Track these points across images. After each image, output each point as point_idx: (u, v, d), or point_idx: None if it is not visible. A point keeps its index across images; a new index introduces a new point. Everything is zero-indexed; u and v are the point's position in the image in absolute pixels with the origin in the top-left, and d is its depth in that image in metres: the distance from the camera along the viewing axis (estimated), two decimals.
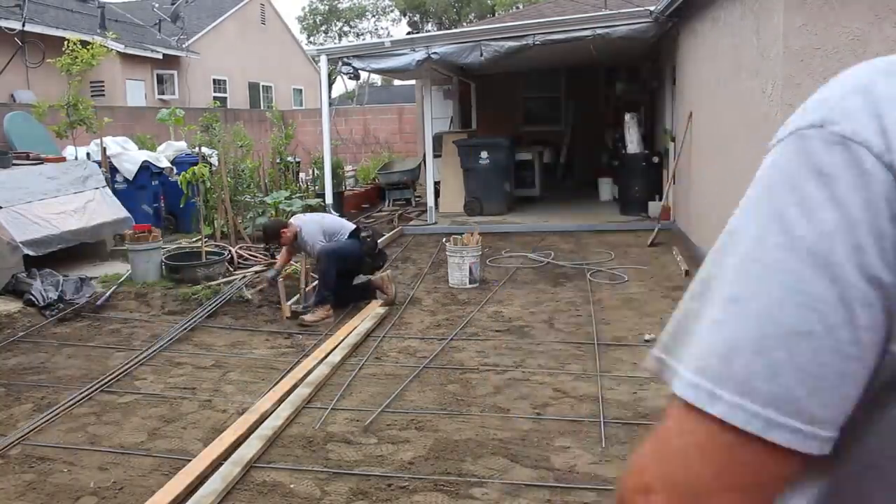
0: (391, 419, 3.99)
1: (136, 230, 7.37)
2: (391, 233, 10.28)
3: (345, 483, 3.29)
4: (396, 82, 29.46)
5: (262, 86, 26.21)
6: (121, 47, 17.56)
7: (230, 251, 7.66)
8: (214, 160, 9.42)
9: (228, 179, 8.97)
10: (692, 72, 8.54)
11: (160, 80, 20.80)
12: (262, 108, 24.39)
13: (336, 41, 42.04)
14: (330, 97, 11.58)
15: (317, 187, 12.27)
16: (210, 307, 6.20)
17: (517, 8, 30.14)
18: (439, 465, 3.43)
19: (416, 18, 41.58)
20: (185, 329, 5.77)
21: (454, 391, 4.38)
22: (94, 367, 5.01)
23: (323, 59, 10.76)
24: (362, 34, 43.96)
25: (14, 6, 14.94)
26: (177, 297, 6.50)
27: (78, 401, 4.34)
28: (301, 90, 29.40)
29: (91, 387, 4.55)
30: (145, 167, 9.46)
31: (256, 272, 7.24)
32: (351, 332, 5.54)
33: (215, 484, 3.23)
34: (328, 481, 3.32)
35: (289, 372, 4.71)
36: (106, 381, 4.66)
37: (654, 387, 4.31)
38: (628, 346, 5.12)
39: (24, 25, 13.88)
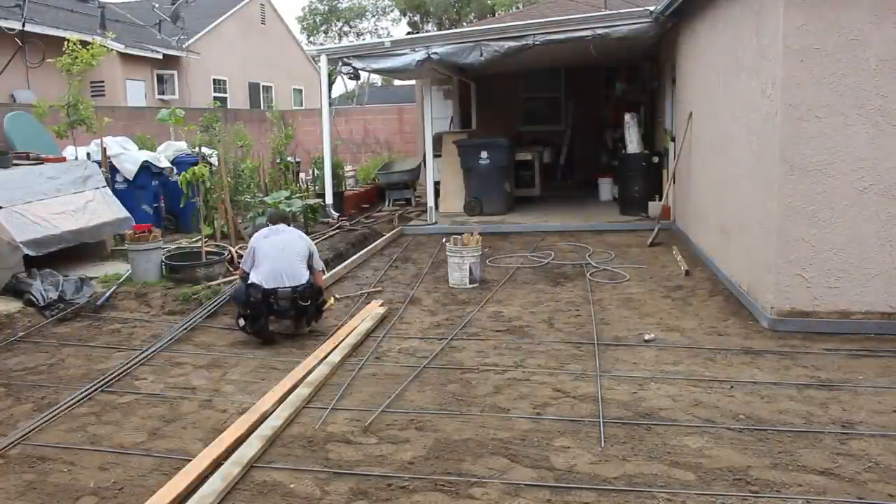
0: (391, 419, 3.99)
1: (137, 230, 7.36)
2: (391, 233, 10.28)
3: (345, 483, 3.29)
4: (396, 82, 29.45)
5: (262, 86, 26.21)
6: (121, 47, 17.58)
7: (230, 251, 7.66)
8: (214, 160, 9.42)
9: (228, 179, 8.97)
10: (692, 72, 8.54)
11: (160, 80, 20.81)
12: (262, 108, 24.40)
13: (336, 41, 42.06)
14: (330, 97, 11.57)
15: (317, 187, 12.28)
16: (210, 307, 6.20)
17: (517, 8, 30.16)
18: (439, 465, 3.43)
19: (416, 18, 41.59)
20: (185, 329, 5.78)
21: (454, 391, 4.38)
22: (94, 367, 5.02)
23: (323, 59, 10.76)
24: (362, 34, 43.98)
25: (14, 6, 14.94)
26: (177, 297, 6.50)
27: (78, 401, 4.34)
28: (301, 90, 29.40)
29: (91, 387, 4.55)
30: (145, 167, 9.47)
31: None
32: (351, 332, 5.53)
33: (215, 484, 3.23)
34: (328, 481, 3.32)
35: (289, 372, 4.71)
36: (106, 381, 4.66)
37: (653, 386, 4.32)
38: (628, 345, 5.12)
39: (24, 25, 13.87)
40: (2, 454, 3.65)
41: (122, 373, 4.82)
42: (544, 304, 6.39)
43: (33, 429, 3.95)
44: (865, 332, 5.15)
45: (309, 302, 5.57)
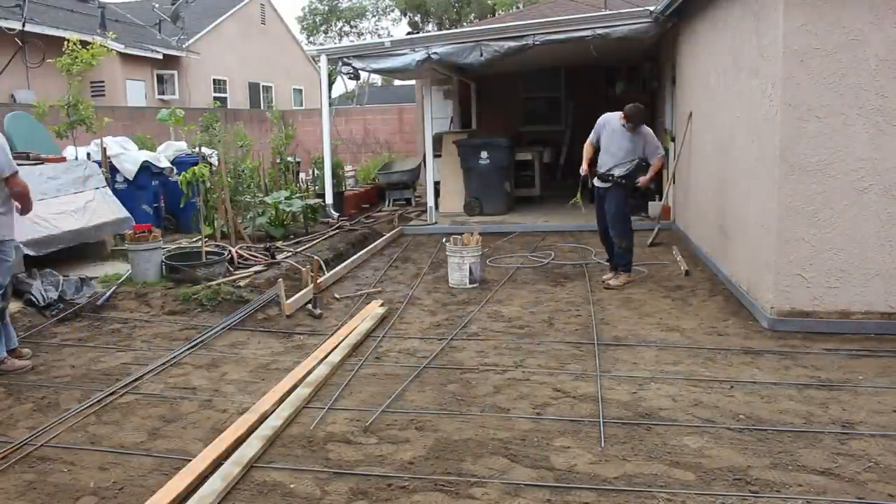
0: (391, 419, 3.99)
1: (137, 230, 7.35)
2: (391, 233, 10.28)
3: (345, 483, 3.29)
4: (396, 82, 29.46)
5: (262, 86, 26.22)
6: (121, 47, 17.58)
7: (230, 251, 7.66)
8: (214, 160, 9.42)
9: (228, 179, 8.97)
10: (692, 72, 8.54)
11: (160, 80, 20.82)
12: (262, 108, 24.41)
13: (336, 41, 42.06)
14: (330, 97, 11.58)
15: (317, 187, 12.28)
16: (247, 310, 6.20)
17: (517, 8, 30.16)
18: (439, 465, 3.43)
19: (416, 18, 41.59)
20: (224, 328, 5.78)
21: (454, 391, 4.38)
22: (93, 367, 5.02)
23: (323, 59, 10.76)
24: (362, 34, 43.99)
25: (14, 6, 14.96)
26: (177, 297, 6.50)
27: (100, 400, 4.35)
28: (301, 90, 29.41)
29: (115, 387, 4.56)
30: (145, 167, 9.46)
31: (256, 272, 7.25)
32: (351, 332, 5.54)
33: (215, 484, 3.23)
34: (328, 481, 3.32)
35: (289, 372, 4.71)
36: (136, 380, 4.67)
37: (653, 386, 4.32)
38: (628, 345, 5.13)
39: (24, 25, 13.87)
40: (3, 455, 3.65)
41: (149, 372, 4.84)
42: (544, 304, 6.39)
43: (40, 432, 3.94)
44: (865, 332, 5.16)
45: None
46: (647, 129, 6.85)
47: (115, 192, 8.72)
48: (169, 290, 6.68)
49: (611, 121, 6.90)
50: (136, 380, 4.71)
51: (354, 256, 8.48)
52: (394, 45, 10.38)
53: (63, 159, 8.67)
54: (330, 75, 11.09)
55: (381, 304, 6.37)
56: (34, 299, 6.22)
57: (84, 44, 9.17)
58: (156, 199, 9.59)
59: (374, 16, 45.03)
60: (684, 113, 8.89)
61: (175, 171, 9.67)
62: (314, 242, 9.19)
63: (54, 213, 7.18)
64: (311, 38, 43.32)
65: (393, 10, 43.86)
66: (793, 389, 4.22)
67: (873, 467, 3.28)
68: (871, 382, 4.29)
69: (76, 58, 8.88)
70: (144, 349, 5.40)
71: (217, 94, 23.29)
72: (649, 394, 4.22)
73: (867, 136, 5.04)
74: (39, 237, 6.76)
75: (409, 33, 28.27)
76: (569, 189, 14.18)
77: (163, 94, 20.78)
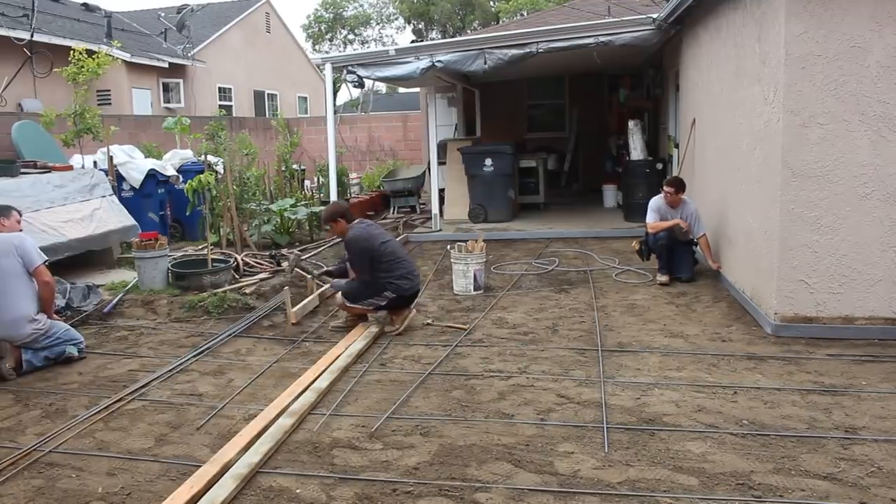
0: (396, 425, 4.02)
1: (143, 238, 7.41)
2: (396, 240, 10.30)
3: (350, 488, 3.32)
4: (401, 90, 29.50)
5: (268, 94, 26.33)
6: (127, 56, 17.69)
7: (236, 259, 7.71)
8: (220, 168, 9.48)
9: (234, 187, 9.03)
10: (695, 79, 8.57)
11: (166, 88, 20.93)
12: (267, 116, 24.50)
13: (341, 49, 42.16)
14: (335, 105, 11.63)
15: (322, 195, 12.33)
16: (252, 318, 6.24)
17: (521, 16, 30.26)
18: (444, 471, 3.46)
19: (420, 26, 41.72)
20: (231, 335, 5.82)
21: (459, 397, 4.40)
22: (100, 374, 5.06)
23: (328, 67, 10.82)
24: (367, 42, 44.11)
25: (22, 16, 15.09)
26: (183, 304, 6.55)
27: (107, 407, 4.38)
28: (306, 98, 29.53)
29: (133, 390, 4.59)
30: (151, 175, 9.54)
31: (262, 279, 7.29)
32: (356, 339, 5.56)
33: (222, 490, 3.26)
34: (334, 486, 3.34)
35: (295, 378, 4.74)
36: (143, 387, 4.71)
37: (657, 392, 4.34)
38: (632, 351, 5.14)
39: (32, 35, 14.00)
40: (13, 461, 3.69)
41: (160, 377, 4.87)
42: (548, 310, 6.41)
43: (49, 437, 3.98)
44: (869, 338, 5.16)
45: None
46: (689, 205, 7.30)
47: (122, 200, 8.79)
48: (175, 297, 6.73)
49: (661, 205, 7.40)
50: (143, 386, 4.75)
51: None
52: (398, 53, 10.43)
53: (70, 168, 8.74)
54: (335, 83, 11.15)
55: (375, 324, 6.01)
56: None
57: (90, 53, 9.25)
58: (162, 207, 9.66)
59: (378, 24, 45.17)
60: (688, 119, 8.91)
61: (181, 179, 9.74)
62: (319, 250, 9.23)
63: (61, 221, 7.24)
64: (316, 47, 43.49)
65: (397, 18, 44.00)
66: (796, 395, 4.23)
67: (876, 472, 3.29)
68: (874, 388, 4.30)
69: (82, 67, 8.96)
70: (151, 356, 5.44)
71: (222, 103, 23.41)
72: (653, 399, 4.23)
73: (869, 142, 5.06)
74: (47, 245, 6.80)
75: (413, 41, 28.35)
76: (572, 196, 14.27)
77: (168, 102, 20.89)
